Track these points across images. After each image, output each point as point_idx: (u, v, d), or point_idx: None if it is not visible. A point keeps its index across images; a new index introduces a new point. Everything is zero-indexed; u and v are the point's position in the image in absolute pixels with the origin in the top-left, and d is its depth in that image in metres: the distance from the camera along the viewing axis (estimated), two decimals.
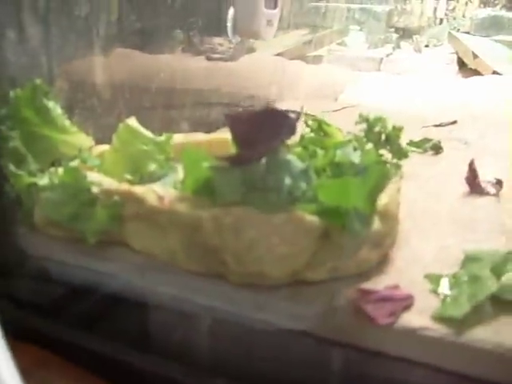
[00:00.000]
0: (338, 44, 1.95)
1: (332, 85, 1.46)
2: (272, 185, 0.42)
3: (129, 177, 0.57)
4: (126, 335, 0.50)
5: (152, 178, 0.58)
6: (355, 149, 0.50)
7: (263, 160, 0.44)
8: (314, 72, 1.60)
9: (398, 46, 1.95)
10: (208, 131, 0.80)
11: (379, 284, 0.45)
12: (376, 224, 0.45)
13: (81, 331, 0.52)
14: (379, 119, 0.55)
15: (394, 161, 0.57)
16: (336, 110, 1.01)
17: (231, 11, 0.92)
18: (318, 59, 1.80)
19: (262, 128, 0.44)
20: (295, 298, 0.44)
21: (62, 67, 0.93)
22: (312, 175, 0.43)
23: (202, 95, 1.14)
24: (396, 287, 0.45)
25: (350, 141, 0.53)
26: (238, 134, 0.44)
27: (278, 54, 1.67)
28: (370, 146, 0.55)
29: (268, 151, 0.44)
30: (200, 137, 0.67)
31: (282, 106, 1.12)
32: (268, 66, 1.50)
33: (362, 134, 0.61)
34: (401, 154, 0.54)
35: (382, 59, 1.78)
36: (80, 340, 0.51)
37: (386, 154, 0.58)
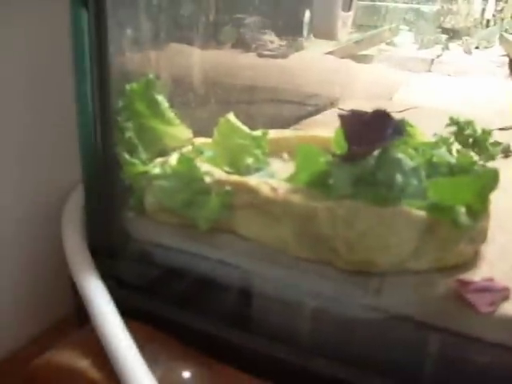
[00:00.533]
0: (388, 44, 1.97)
1: (385, 85, 1.48)
2: (383, 180, 0.46)
3: (227, 169, 0.61)
4: (232, 317, 0.54)
5: (248, 171, 0.62)
6: (449, 150, 0.53)
7: (373, 157, 0.47)
8: (365, 71, 1.63)
9: (447, 48, 1.97)
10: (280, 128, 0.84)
11: (475, 276, 0.49)
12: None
13: (189, 312, 0.56)
14: (469, 122, 0.58)
15: (481, 163, 0.60)
16: (401, 111, 1.04)
17: (308, 13, 0.95)
18: (368, 58, 1.82)
19: (371, 128, 0.48)
20: (399, 285, 0.48)
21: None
22: (422, 173, 0.46)
23: (267, 92, 1.18)
24: (491, 279, 0.48)
25: (441, 141, 0.56)
26: (349, 132, 0.48)
27: (329, 53, 1.70)
28: (457, 147, 0.58)
29: (376, 150, 0.48)
30: (288, 133, 0.70)
31: (344, 105, 1.16)
32: (322, 65, 1.53)
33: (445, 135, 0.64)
34: (488, 156, 0.57)
35: (432, 60, 1.80)
36: (191, 321, 0.55)
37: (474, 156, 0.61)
